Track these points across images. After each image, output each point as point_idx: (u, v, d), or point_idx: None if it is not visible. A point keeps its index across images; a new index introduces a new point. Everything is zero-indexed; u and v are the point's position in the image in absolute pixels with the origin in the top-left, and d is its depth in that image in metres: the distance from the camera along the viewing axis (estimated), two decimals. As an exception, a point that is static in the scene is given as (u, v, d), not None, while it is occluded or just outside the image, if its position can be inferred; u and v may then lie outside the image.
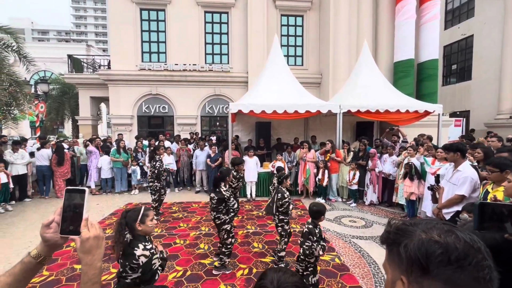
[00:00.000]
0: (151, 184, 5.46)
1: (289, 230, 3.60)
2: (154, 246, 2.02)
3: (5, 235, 4.69)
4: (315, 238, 2.62)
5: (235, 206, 3.62)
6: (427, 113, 7.24)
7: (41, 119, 10.80)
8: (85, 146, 7.86)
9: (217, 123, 12.12)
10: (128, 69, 10.83)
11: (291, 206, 3.56)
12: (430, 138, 6.35)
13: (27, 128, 21.15)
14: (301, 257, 2.64)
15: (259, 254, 3.97)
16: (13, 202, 6.42)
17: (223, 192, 3.43)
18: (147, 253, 1.88)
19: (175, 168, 7.62)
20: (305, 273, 2.63)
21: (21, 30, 50.07)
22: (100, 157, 7.43)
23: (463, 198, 3.04)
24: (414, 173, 5.03)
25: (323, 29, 11.17)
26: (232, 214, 3.58)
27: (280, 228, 3.60)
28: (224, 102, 11.35)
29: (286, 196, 3.51)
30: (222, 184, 3.52)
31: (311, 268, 2.62)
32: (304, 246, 2.61)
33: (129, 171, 7.54)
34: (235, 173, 4.35)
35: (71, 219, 0.82)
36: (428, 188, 4.17)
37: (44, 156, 7.04)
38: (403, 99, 7.48)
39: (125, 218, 1.98)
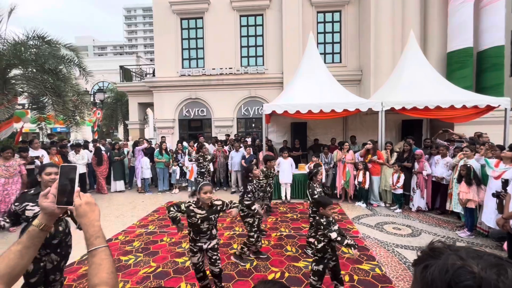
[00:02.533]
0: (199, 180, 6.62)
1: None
2: (193, 207, 2.64)
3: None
4: (322, 226, 2.69)
5: (249, 203, 3.67)
6: (489, 108, 6.29)
7: (98, 124, 12.17)
8: (132, 147, 8.55)
9: (253, 125, 12.24)
10: (170, 75, 11.60)
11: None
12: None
13: (89, 133, 24.16)
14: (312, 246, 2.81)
15: (292, 258, 3.85)
16: (75, 197, 7.32)
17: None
18: (183, 206, 2.67)
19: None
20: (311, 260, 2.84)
21: (85, 47, 57.39)
22: (141, 159, 8.02)
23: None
24: (473, 177, 4.39)
25: (363, 22, 10.52)
26: (252, 208, 3.66)
27: (311, 218, 3.78)
28: (260, 104, 11.41)
29: (316, 192, 3.57)
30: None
31: (316, 257, 2.71)
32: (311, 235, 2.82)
33: (170, 171, 8.02)
34: (264, 169, 4.47)
35: (66, 191, 0.93)
36: (493, 195, 3.62)
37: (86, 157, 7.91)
38: (458, 93, 6.63)
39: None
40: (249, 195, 3.73)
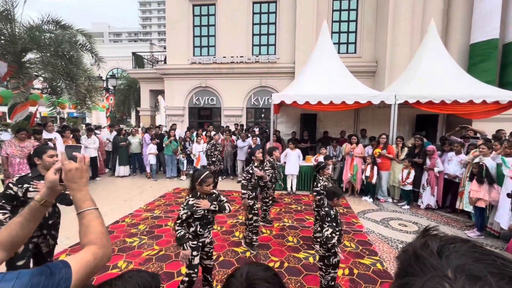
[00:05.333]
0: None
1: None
2: (197, 203, 2.46)
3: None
4: (329, 218, 2.60)
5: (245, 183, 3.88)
6: (512, 104, 5.94)
7: (111, 110, 12.42)
8: (133, 134, 8.55)
9: (262, 115, 12.15)
10: (181, 63, 11.58)
11: (325, 200, 3.36)
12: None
13: (104, 119, 24.77)
14: (323, 240, 2.60)
15: (293, 249, 3.85)
16: (87, 180, 7.60)
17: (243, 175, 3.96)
18: (183, 212, 2.43)
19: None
20: (326, 254, 2.61)
21: (100, 33, 58.04)
22: (148, 145, 8.12)
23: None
24: (485, 176, 4.19)
25: (381, 11, 10.06)
26: (255, 192, 3.90)
27: (316, 212, 3.83)
28: (270, 94, 11.15)
29: (319, 185, 3.65)
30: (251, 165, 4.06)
31: (333, 250, 2.56)
32: (324, 230, 2.59)
33: (177, 158, 8.13)
34: (271, 159, 4.98)
35: None
36: (508, 195, 3.49)
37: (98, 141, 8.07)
38: (478, 87, 6.28)
39: (193, 175, 2.58)
40: (248, 176, 3.91)
